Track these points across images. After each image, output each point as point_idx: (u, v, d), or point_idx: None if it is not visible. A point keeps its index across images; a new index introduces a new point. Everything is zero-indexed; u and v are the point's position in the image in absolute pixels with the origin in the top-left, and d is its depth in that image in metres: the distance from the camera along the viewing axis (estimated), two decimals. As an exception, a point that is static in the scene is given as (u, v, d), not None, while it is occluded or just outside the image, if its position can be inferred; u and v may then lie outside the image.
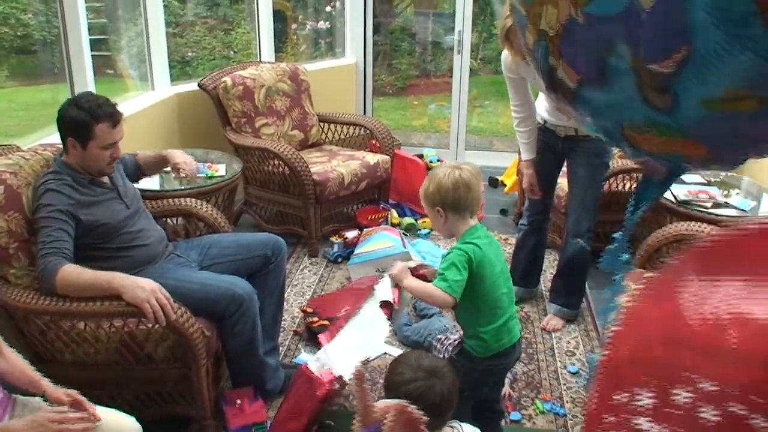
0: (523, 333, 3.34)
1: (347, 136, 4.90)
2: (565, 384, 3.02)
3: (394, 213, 4.57)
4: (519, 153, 3.42)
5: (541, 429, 2.75)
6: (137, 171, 3.07)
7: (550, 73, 1.02)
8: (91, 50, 3.80)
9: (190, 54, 7.37)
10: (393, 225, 4.43)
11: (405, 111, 8.40)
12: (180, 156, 3.09)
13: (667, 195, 3.56)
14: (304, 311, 3.48)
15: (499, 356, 2.34)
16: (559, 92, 1.04)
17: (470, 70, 5.88)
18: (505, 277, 2.38)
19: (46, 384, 1.98)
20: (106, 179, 2.70)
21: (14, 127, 5.68)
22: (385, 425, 1.48)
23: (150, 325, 2.39)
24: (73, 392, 1.96)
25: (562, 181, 3.60)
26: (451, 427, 1.97)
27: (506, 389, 2.88)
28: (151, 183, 3.45)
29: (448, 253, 2.32)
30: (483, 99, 8.14)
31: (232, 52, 7.65)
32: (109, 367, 2.50)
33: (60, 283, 2.37)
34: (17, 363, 1.99)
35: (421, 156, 5.00)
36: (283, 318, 3.18)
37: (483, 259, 2.27)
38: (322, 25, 6.83)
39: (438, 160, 5.10)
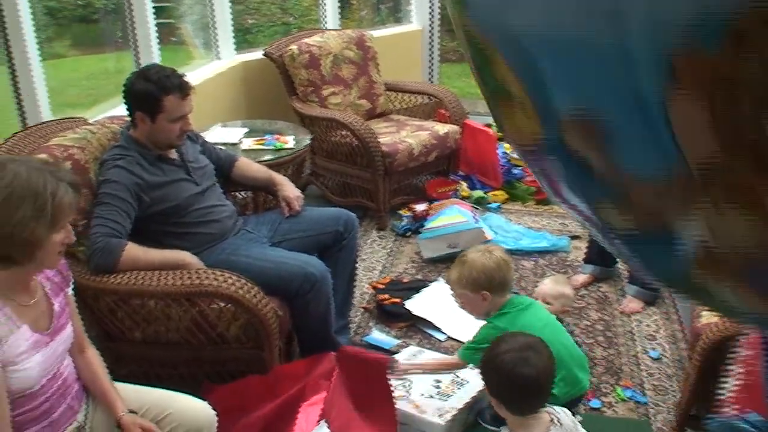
0: (601, 314, 3.24)
1: (414, 105, 4.77)
2: (646, 370, 2.88)
3: (464, 185, 4.44)
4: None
5: (622, 417, 2.62)
6: (227, 172, 2.98)
7: None
8: (155, 17, 3.74)
9: (250, 21, 7.30)
10: (462, 198, 4.30)
11: (469, 78, 8.20)
12: (292, 190, 2.92)
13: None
14: (374, 287, 3.40)
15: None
16: None
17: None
18: (553, 330, 2.30)
19: (122, 409, 1.84)
20: (174, 155, 2.64)
21: (79, 97, 5.71)
22: None
23: (222, 305, 2.33)
24: (151, 427, 1.84)
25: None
26: (548, 412, 1.89)
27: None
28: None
29: (482, 328, 2.37)
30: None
31: (292, 19, 7.57)
32: (180, 346, 2.45)
33: (125, 262, 2.32)
34: (95, 369, 1.92)
35: (489, 125, 4.83)
36: (353, 295, 3.11)
37: (517, 329, 2.22)
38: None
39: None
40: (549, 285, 2.80)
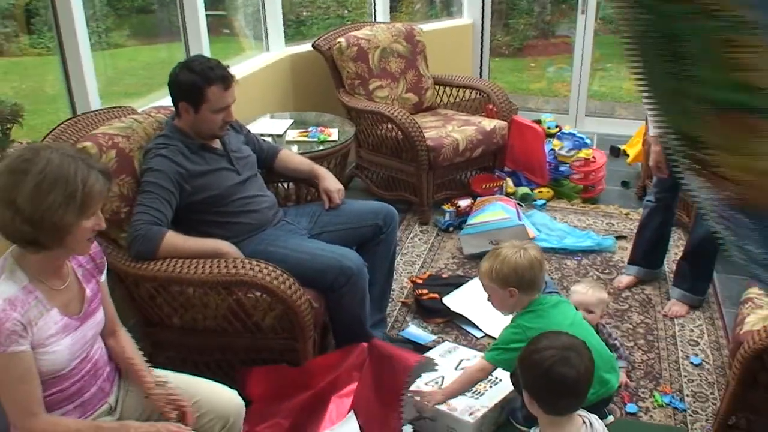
0: (644, 317, 3.18)
1: (462, 99, 4.74)
2: (686, 376, 2.82)
3: (510, 182, 4.40)
4: (646, 123, 3.19)
5: (659, 424, 2.57)
6: (270, 163, 2.99)
7: None
8: (207, 10, 3.79)
9: (304, 13, 7.35)
10: (507, 194, 4.26)
11: (521, 73, 8.11)
12: (333, 182, 2.94)
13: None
14: (413, 282, 3.39)
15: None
16: None
17: (593, 31, 5.58)
18: (580, 330, 2.23)
19: (151, 383, 1.90)
20: (217, 144, 2.67)
21: (135, 86, 5.83)
22: None
23: (257, 294, 2.36)
24: (180, 402, 1.89)
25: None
26: (580, 416, 1.86)
27: (623, 378, 2.71)
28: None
29: (507, 327, 2.36)
30: (605, 61, 7.75)
31: (346, 11, 7.59)
32: (217, 333, 2.49)
33: (164, 249, 2.37)
34: (124, 345, 1.97)
35: (538, 122, 4.78)
36: (392, 289, 3.11)
37: (543, 327, 2.19)
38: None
39: (556, 126, 4.87)
40: (587, 292, 2.74)
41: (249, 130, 2.98)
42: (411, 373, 2.36)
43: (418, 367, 2.39)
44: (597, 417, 1.93)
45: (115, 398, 1.88)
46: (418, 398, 2.40)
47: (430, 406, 2.38)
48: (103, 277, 1.90)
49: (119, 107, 2.83)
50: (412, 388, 2.42)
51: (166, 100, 2.68)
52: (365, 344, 2.54)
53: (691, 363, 2.90)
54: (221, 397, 1.97)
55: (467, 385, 2.40)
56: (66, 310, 1.71)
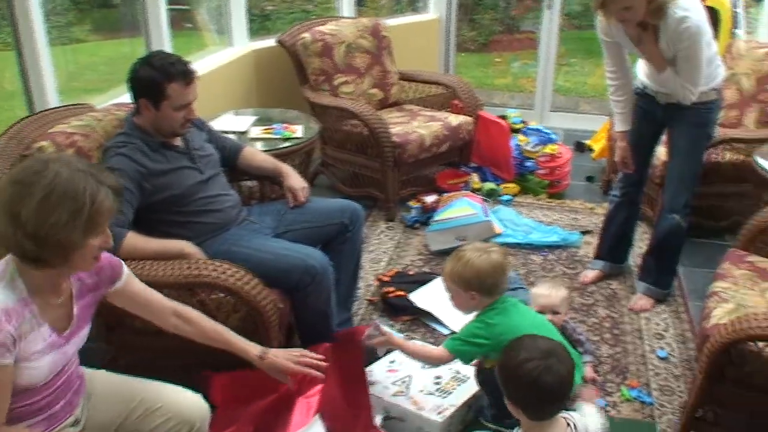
0: (609, 312, 3.19)
1: (428, 95, 4.72)
2: (653, 370, 2.83)
3: (476, 177, 4.39)
4: (611, 119, 3.20)
5: (627, 419, 2.58)
6: (233, 161, 2.94)
7: None
8: (171, 3, 3.72)
9: (269, 8, 7.28)
10: (474, 190, 4.26)
11: (487, 69, 8.13)
12: (298, 180, 2.89)
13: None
14: (380, 280, 3.37)
15: None
16: None
17: (556, 26, 5.59)
18: (542, 328, 2.27)
19: (254, 353, 2.06)
20: (179, 142, 2.62)
21: (97, 82, 5.72)
22: None
23: (221, 295, 2.32)
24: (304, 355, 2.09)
25: (660, 150, 3.36)
26: (565, 418, 1.85)
27: (590, 373, 2.72)
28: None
29: (470, 322, 2.36)
30: (569, 57, 7.79)
31: (311, 6, 7.53)
32: (179, 336, 2.43)
33: (125, 251, 2.30)
34: (205, 326, 2.05)
35: (503, 117, 4.77)
36: (358, 287, 3.08)
37: (506, 323, 2.26)
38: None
39: (522, 122, 4.87)
40: (551, 294, 2.72)
41: (211, 128, 2.93)
42: (364, 340, 2.37)
43: (369, 335, 2.38)
44: (581, 416, 1.92)
45: (80, 410, 1.83)
46: (377, 333, 2.40)
47: (384, 343, 2.41)
48: (121, 282, 1.87)
49: (78, 105, 2.76)
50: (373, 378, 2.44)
51: (127, 97, 2.62)
52: (329, 345, 2.52)
53: (658, 356, 2.91)
54: (186, 401, 1.92)
55: (421, 355, 2.42)
56: (54, 326, 1.65)
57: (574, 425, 1.85)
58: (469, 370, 2.48)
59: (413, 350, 2.43)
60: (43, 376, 1.64)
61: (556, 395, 1.77)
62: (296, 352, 2.13)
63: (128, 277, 1.90)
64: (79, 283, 1.75)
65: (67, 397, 1.76)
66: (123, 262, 1.89)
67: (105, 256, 1.75)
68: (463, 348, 2.29)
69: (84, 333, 1.78)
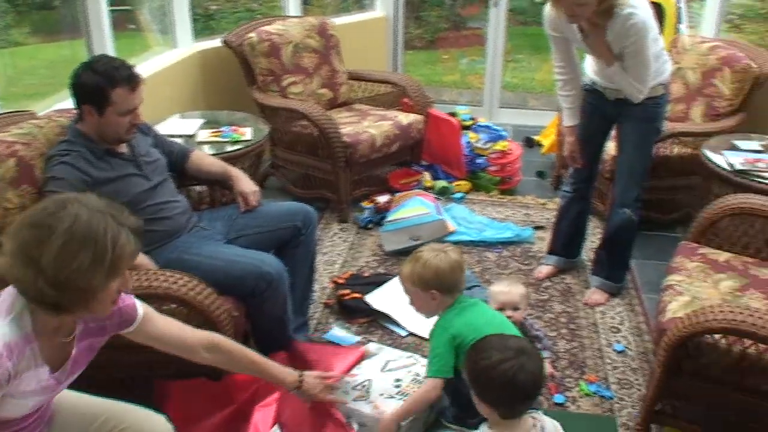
0: (565, 307, 3.21)
1: (378, 94, 4.69)
2: (610, 363, 2.85)
3: (428, 176, 4.38)
4: (559, 114, 3.22)
5: (587, 413, 2.59)
6: (181, 166, 2.86)
7: None
8: (113, 4, 3.62)
9: (213, 7, 7.17)
10: (426, 188, 4.24)
11: (435, 66, 8.13)
12: (248, 184, 2.83)
13: (721, 163, 3.33)
14: (335, 282, 3.33)
15: None
16: None
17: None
18: (501, 325, 2.26)
19: (293, 374, 2.14)
20: (124, 149, 2.53)
21: (37, 86, 5.55)
22: None
23: (173, 306, 2.25)
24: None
25: (609, 146, 3.39)
26: (533, 417, 1.84)
27: (549, 369, 2.72)
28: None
29: (432, 333, 2.34)
30: (515, 53, 7.83)
31: (256, 5, 7.44)
32: (131, 348, 2.34)
33: None
34: (240, 355, 2.05)
35: (453, 114, 4.77)
36: (313, 290, 3.04)
37: (464, 322, 2.26)
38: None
39: (471, 119, 4.87)
40: (510, 291, 2.73)
41: (157, 132, 2.85)
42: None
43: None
44: (551, 419, 1.91)
45: None
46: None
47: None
48: (132, 328, 1.81)
49: (17, 112, 2.65)
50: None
51: (69, 102, 2.53)
52: (283, 353, 2.48)
53: (615, 350, 2.93)
54: (151, 423, 1.85)
55: (419, 402, 2.30)
56: (53, 368, 1.57)
57: (542, 426, 1.84)
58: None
59: (410, 406, 2.30)
60: (23, 413, 1.58)
61: (529, 393, 1.77)
62: (324, 375, 2.26)
63: (143, 322, 1.82)
64: (82, 326, 1.67)
65: (39, 429, 1.70)
66: (139, 307, 1.81)
67: (120, 300, 1.68)
68: (439, 364, 2.25)
69: (76, 375, 1.70)
